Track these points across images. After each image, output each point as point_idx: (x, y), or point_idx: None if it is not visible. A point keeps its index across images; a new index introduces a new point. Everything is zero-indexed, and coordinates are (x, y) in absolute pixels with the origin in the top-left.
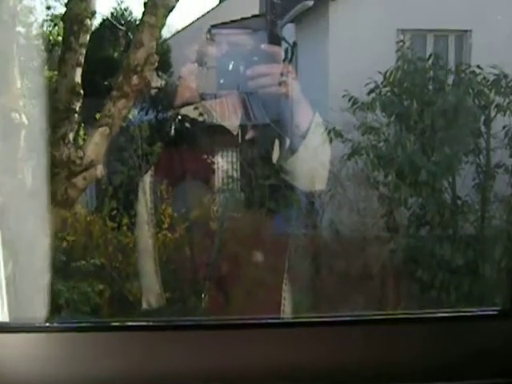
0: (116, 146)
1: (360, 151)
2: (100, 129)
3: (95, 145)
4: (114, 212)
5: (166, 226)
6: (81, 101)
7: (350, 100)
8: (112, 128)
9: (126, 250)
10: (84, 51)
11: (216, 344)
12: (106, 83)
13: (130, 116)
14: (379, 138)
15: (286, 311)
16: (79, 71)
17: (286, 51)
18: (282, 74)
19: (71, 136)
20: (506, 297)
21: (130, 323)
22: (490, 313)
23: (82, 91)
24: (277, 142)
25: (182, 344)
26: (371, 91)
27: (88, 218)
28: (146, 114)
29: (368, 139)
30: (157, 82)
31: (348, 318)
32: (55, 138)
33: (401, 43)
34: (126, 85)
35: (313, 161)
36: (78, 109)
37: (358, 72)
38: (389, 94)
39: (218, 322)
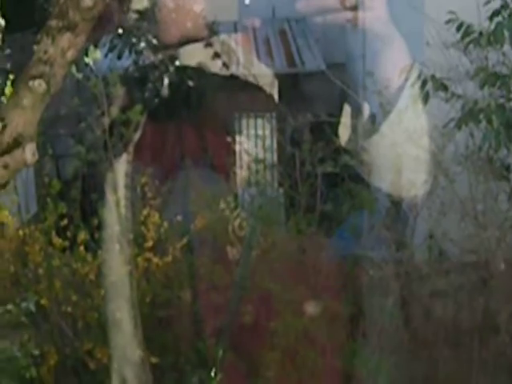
0: (65, 111)
1: (477, 115)
2: (30, 83)
3: (22, 110)
4: (64, 222)
5: (149, 243)
6: (1, 37)
7: (458, 28)
8: (51, 81)
9: (83, 286)
10: None
11: None
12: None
13: (89, 61)
14: (509, 93)
15: None
16: None
17: None
18: None
19: None
20: None
21: None
22: None
23: (2, 22)
24: (347, 107)
25: None
26: (495, 13)
27: (20, 233)
28: (119, 57)
29: (491, 95)
30: (139, 1)
31: None
32: None
33: None
34: (73, 8)
35: (395, 133)
36: None
37: None
38: None
39: None
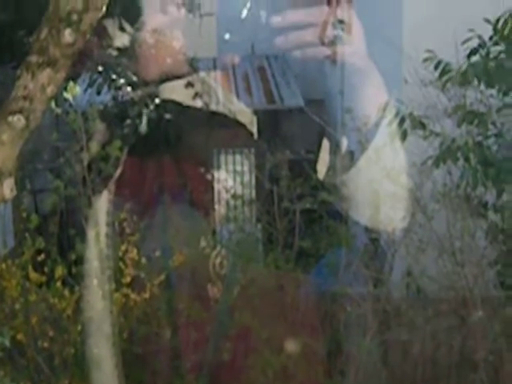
0: (44, 145)
1: (455, 153)
2: (9, 118)
3: (1, 145)
4: (41, 257)
5: (127, 279)
6: None
7: (436, 67)
8: (30, 116)
9: (60, 321)
10: None
11: None
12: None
13: (69, 96)
14: (487, 131)
15: None
16: None
17: None
18: (327, 26)
19: None
20: None
21: None
22: None
23: None
24: (325, 142)
25: None
26: (473, 52)
27: None
28: (98, 93)
29: (468, 133)
30: (120, 38)
31: None
32: None
33: None
34: (53, 44)
35: (373, 170)
36: None
37: (449, 21)
38: (503, 55)
39: None
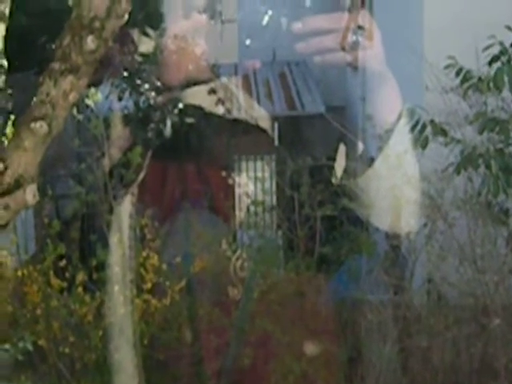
0: (66, 152)
1: (476, 160)
2: (32, 124)
3: (24, 151)
4: (63, 262)
5: (148, 285)
6: (3, 78)
7: (458, 73)
8: (52, 123)
9: (81, 326)
10: None
11: None
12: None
13: (91, 102)
14: (508, 139)
15: None
16: (1, 29)
17: None
18: (347, 31)
19: None
20: None
21: None
22: None
23: (5, 62)
24: (342, 147)
25: None
26: (494, 59)
27: (19, 273)
28: (120, 99)
29: (489, 140)
30: (144, 45)
31: None
32: None
33: None
34: (76, 51)
35: (395, 176)
36: None
37: (470, 27)
38: None
39: None
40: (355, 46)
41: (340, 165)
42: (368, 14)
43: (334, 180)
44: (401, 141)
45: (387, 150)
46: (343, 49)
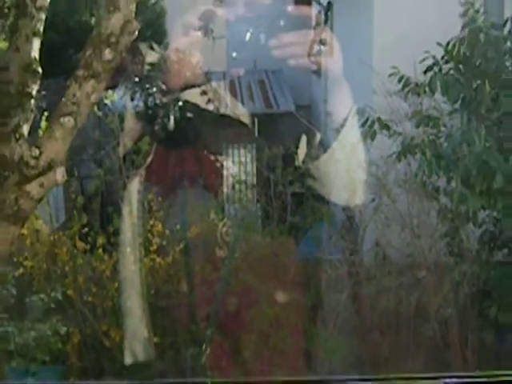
0: (88, 141)
1: (413, 149)
2: (61, 119)
3: (55, 140)
4: (86, 229)
5: (154, 247)
6: (38, 82)
7: (400, 80)
8: (77, 118)
9: (101, 280)
10: (43, 17)
11: None
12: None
13: (108, 102)
14: (439, 132)
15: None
16: (37, 43)
17: (319, 15)
18: (313, 44)
19: (25, 129)
20: None
21: None
22: None
23: (39, 69)
24: (303, 137)
25: None
26: (428, 69)
27: (51, 238)
28: (132, 99)
29: (424, 133)
30: (150, 56)
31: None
32: (5, 131)
33: (467, 5)
34: (96, 61)
35: (350, 162)
36: (34, 93)
37: (410, 44)
38: (452, 72)
39: None
40: (319, 56)
41: (302, 151)
42: (329, 31)
43: (297, 164)
44: (351, 132)
45: (339, 139)
46: (309, 58)
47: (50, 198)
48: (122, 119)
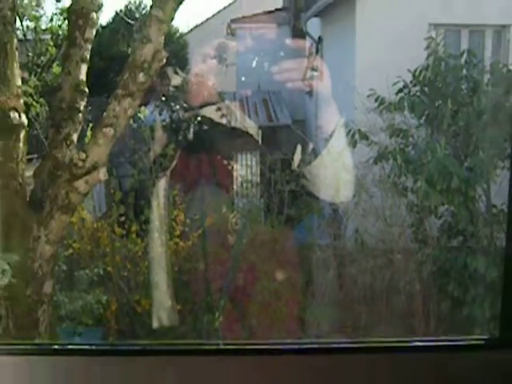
0: (127, 147)
1: (387, 155)
2: (104, 129)
3: (98, 146)
4: (123, 218)
5: (177, 233)
6: (85, 99)
7: (376, 100)
8: (116, 128)
9: (134, 259)
10: (89, 47)
11: (229, 372)
12: (115, 81)
13: (142, 116)
14: (408, 142)
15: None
16: (84, 68)
17: (311, 47)
18: (306, 70)
19: (75, 137)
20: (496, 324)
21: (135, 347)
22: (475, 343)
23: (86, 89)
24: (298, 146)
25: (194, 369)
26: (399, 91)
27: (95, 225)
28: (160, 114)
29: (396, 142)
30: (175, 79)
31: (371, 345)
32: (58, 138)
33: (430, 39)
34: (132, 82)
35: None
36: (82, 108)
37: (385, 70)
38: (418, 93)
39: (232, 347)
40: (311, 80)
41: (297, 157)
42: (320, 59)
43: (293, 167)
44: (337, 142)
45: (327, 148)
46: (304, 81)
47: (94, 192)
48: (152, 130)
